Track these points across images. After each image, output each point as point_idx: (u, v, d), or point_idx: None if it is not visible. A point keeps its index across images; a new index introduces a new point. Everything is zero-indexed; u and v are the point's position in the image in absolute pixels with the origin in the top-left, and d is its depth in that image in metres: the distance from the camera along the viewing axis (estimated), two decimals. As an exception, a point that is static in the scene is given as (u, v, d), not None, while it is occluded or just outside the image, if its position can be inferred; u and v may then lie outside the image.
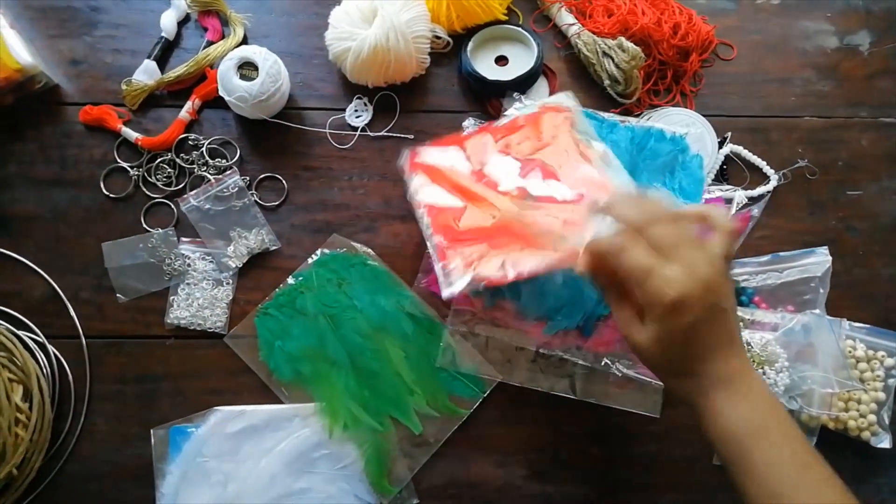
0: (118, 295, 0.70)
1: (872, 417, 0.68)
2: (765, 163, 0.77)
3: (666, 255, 0.47)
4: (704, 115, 0.77)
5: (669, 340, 0.49)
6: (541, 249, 0.58)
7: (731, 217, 0.49)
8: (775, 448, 0.47)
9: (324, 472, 0.64)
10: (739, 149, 0.77)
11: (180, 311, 0.70)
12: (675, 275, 0.47)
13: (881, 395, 0.69)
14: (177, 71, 0.74)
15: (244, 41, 0.77)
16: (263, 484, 0.63)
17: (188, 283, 0.70)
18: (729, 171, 0.77)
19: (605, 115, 0.73)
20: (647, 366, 0.52)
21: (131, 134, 0.73)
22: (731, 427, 0.48)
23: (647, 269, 0.47)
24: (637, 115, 0.78)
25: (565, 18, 0.79)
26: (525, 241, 0.59)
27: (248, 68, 0.70)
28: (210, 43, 0.76)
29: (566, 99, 0.70)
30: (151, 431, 0.66)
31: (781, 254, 0.74)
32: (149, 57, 0.75)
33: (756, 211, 0.75)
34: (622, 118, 0.74)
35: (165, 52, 0.77)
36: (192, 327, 0.70)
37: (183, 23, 0.78)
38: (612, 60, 0.75)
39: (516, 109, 0.73)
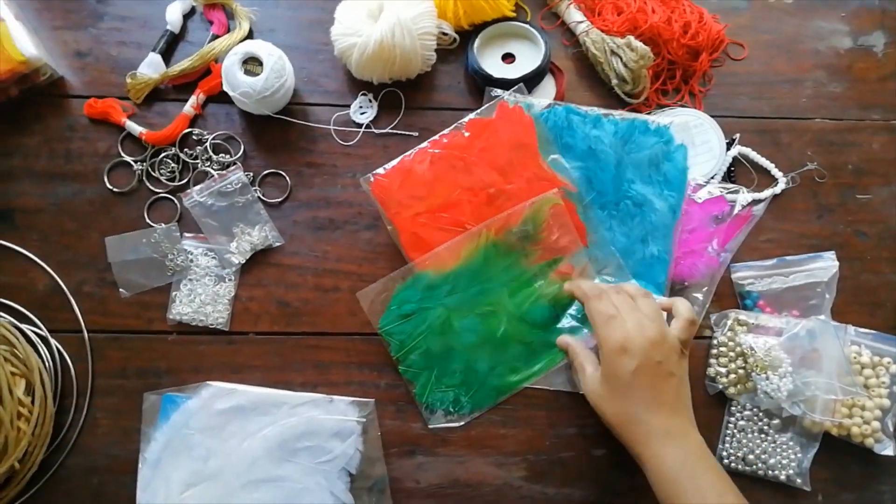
0: (121, 290, 0.70)
1: (876, 424, 0.68)
2: (773, 165, 0.76)
3: (623, 313, 0.59)
4: (713, 116, 0.77)
5: (616, 382, 0.58)
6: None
7: (691, 310, 0.62)
8: (701, 491, 0.55)
9: (304, 463, 0.64)
10: (748, 150, 0.76)
11: (182, 307, 0.70)
12: (627, 325, 0.58)
13: (886, 402, 0.68)
14: (181, 65, 0.73)
15: (250, 35, 0.77)
16: (243, 465, 0.63)
17: (190, 279, 0.70)
18: (737, 173, 0.76)
19: (588, 109, 0.73)
20: (598, 411, 0.61)
21: (135, 128, 0.73)
22: (665, 471, 0.56)
23: (608, 316, 0.59)
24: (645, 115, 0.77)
25: (574, 16, 0.78)
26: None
27: (252, 63, 0.70)
28: (215, 37, 0.75)
29: (521, 98, 0.72)
30: (144, 395, 0.66)
31: (788, 258, 0.74)
32: (154, 50, 0.75)
33: (758, 209, 0.74)
34: (605, 111, 0.73)
35: (170, 46, 0.76)
36: (194, 323, 0.70)
37: (188, 16, 0.78)
38: (621, 59, 0.74)
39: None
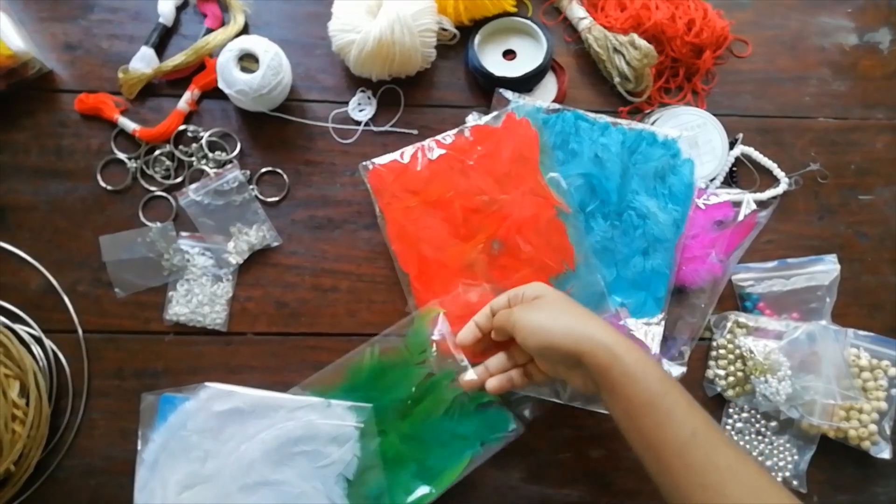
0: (116, 290, 0.69)
1: (873, 427, 0.68)
2: (776, 165, 0.76)
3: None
4: (715, 115, 0.75)
5: (553, 302, 0.59)
6: None
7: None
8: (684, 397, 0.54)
9: (301, 467, 0.63)
10: (750, 150, 0.75)
11: (179, 308, 0.69)
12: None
13: (883, 405, 0.68)
14: (175, 60, 0.71)
15: (245, 28, 0.75)
16: (241, 468, 0.63)
17: (187, 279, 0.69)
18: (739, 174, 0.75)
19: (596, 116, 0.72)
20: (545, 339, 0.56)
21: (128, 125, 0.71)
22: (649, 380, 0.53)
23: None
24: (647, 114, 0.76)
25: (576, 12, 0.76)
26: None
27: (248, 60, 0.68)
28: (209, 30, 0.73)
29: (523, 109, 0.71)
30: (142, 395, 0.65)
31: (788, 260, 0.73)
32: (146, 44, 0.73)
33: (762, 216, 0.73)
34: (614, 120, 0.72)
35: (163, 39, 0.74)
36: (191, 324, 0.69)
37: (181, 8, 0.75)
38: (624, 57, 0.73)
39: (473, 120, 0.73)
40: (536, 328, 0.57)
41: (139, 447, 0.64)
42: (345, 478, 0.63)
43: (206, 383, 0.66)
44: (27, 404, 0.64)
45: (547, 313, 0.57)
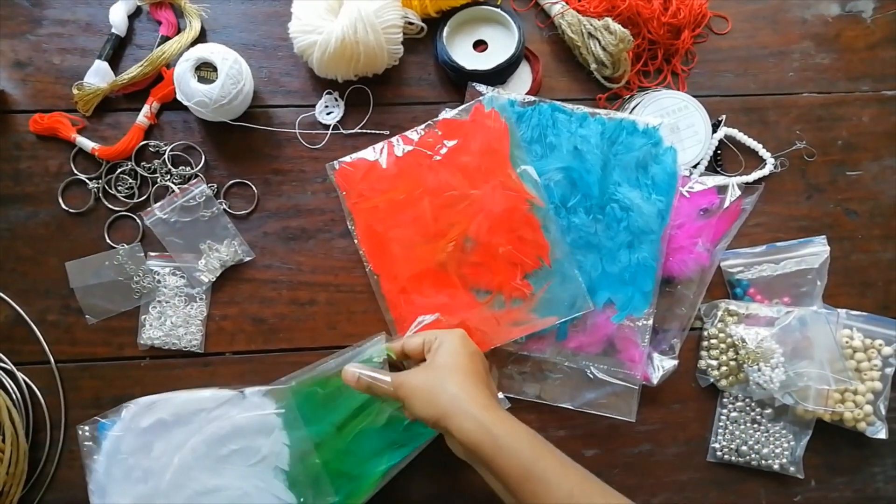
0: (87, 316, 0.67)
1: (868, 408, 0.67)
2: (761, 146, 0.73)
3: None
4: (697, 97, 0.73)
5: (460, 358, 0.56)
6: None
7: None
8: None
9: (237, 468, 0.61)
10: (734, 132, 0.73)
11: (153, 331, 0.67)
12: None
13: (878, 385, 0.68)
14: (131, 72, 0.68)
15: (202, 34, 0.71)
16: (179, 480, 0.61)
17: (159, 301, 0.67)
18: (723, 157, 0.73)
19: (574, 107, 0.69)
20: (434, 394, 0.54)
21: (87, 144, 0.68)
22: (521, 432, 0.54)
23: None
24: (626, 100, 0.73)
25: (548, -4, 0.73)
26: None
27: (206, 69, 0.65)
28: (165, 38, 0.70)
29: (496, 100, 0.68)
30: (77, 428, 0.62)
31: (778, 244, 0.71)
32: (99, 57, 0.69)
33: (748, 202, 0.71)
34: (592, 110, 0.69)
35: (117, 51, 0.71)
36: (166, 347, 0.67)
37: (134, 16, 0.72)
38: (599, 43, 0.70)
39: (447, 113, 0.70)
40: (416, 397, 0.54)
41: (87, 478, 0.61)
42: (281, 469, 0.61)
43: (130, 402, 0.62)
44: (3, 441, 0.62)
45: (423, 380, 0.55)
